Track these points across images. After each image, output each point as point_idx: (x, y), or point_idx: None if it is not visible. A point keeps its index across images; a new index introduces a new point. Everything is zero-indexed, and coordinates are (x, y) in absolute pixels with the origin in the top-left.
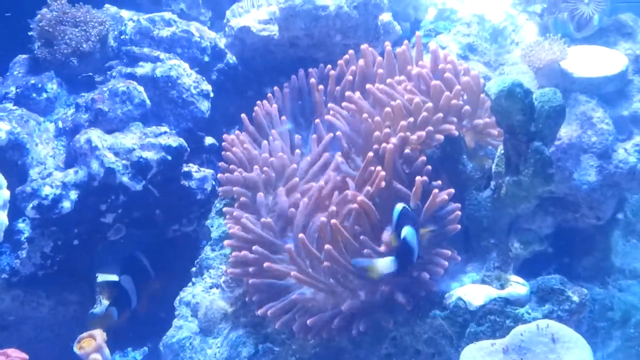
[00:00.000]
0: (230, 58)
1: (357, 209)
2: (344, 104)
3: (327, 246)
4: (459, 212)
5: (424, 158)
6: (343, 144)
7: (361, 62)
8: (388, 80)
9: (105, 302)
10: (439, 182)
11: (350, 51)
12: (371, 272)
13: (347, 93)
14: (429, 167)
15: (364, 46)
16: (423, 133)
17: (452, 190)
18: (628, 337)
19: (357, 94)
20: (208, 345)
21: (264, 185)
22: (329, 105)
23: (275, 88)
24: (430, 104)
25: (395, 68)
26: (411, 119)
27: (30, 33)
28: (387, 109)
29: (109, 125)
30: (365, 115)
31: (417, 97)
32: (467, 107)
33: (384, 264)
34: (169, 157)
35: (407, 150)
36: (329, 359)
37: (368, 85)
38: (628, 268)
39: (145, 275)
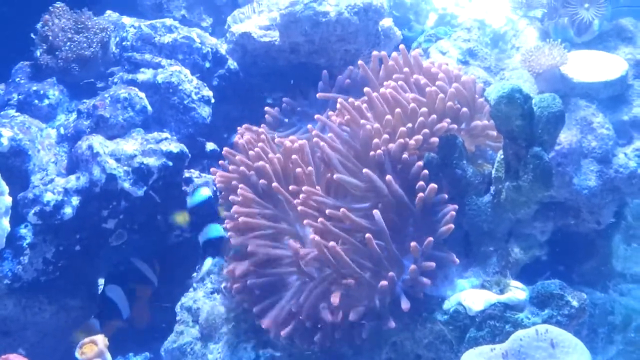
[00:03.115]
0: (232, 64)
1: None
2: (337, 112)
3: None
4: (453, 213)
5: (420, 163)
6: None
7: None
8: (390, 87)
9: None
10: (434, 185)
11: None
12: None
13: (340, 100)
14: (426, 171)
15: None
16: (420, 137)
17: (435, 186)
18: (629, 342)
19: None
20: (209, 350)
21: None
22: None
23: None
24: (425, 109)
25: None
26: (409, 124)
27: (32, 37)
28: (388, 116)
29: (111, 131)
30: (363, 121)
31: (413, 103)
32: (465, 110)
33: None
34: (170, 163)
35: (404, 156)
36: None
37: (366, 89)
38: (629, 272)
39: (143, 283)
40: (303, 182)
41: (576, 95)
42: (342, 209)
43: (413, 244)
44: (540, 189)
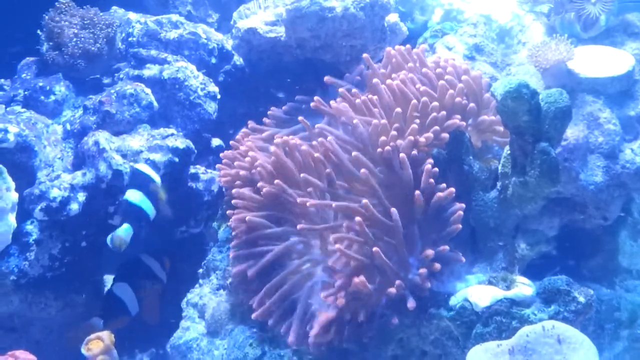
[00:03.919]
0: (237, 60)
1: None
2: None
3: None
4: (461, 212)
5: (431, 161)
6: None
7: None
8: (398, 80)
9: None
10: (444, 185)
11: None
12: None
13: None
14: (436, 169)
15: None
16: (431, 135)
17: (453, 190)
18: (635, 338)
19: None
20: (215, 346)
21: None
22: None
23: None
24: (436, 103)
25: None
26: (418, 121)
27: (38, 33)
28: (398, 109)
29: (117, 127)
30: (357, 118)
31: (425, 97)
32: (472, 105)
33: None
34: (176, 159)
35: (414, 152)
36: None
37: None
38: (635, 268)
39: (152, 280)
40: (299, 184)
41: (583, 90)
42: (364, 201)
43: (428, 251)
44: (547, 185)
